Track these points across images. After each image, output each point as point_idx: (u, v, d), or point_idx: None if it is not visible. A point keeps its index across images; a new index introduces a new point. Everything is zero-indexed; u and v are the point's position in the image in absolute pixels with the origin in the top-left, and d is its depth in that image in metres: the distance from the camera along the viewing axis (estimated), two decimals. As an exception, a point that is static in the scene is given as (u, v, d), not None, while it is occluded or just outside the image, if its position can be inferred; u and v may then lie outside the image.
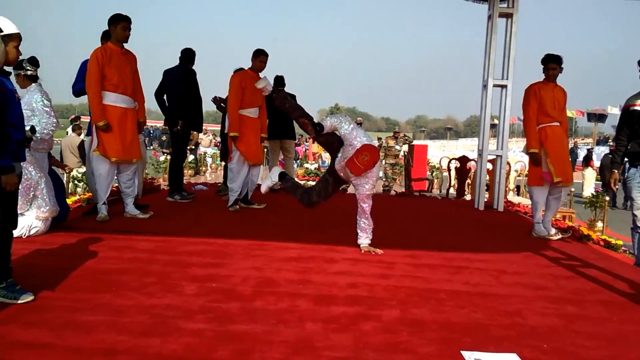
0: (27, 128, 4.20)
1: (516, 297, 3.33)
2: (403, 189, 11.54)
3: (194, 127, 7.10)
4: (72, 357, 2.20)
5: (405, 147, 12.76)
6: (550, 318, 2.98)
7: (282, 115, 7.73)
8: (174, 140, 6.99)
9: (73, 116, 16.75)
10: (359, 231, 4.38)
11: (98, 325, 2.52)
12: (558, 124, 5.37)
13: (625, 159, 4.70)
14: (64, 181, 6.07)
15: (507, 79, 7.43)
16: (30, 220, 4.30)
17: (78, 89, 5.36)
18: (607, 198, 7.66)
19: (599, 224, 7.08)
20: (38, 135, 4.49)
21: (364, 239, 4.36)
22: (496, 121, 12.06)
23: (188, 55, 6.93)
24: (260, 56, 6.25)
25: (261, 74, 6.14)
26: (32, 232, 4.31)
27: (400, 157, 12.89)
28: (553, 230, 5.51)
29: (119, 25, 5.05)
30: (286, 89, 7.99)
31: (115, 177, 5.36)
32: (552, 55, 5.37)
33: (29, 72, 4.69)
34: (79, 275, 3.32)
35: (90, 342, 2.34)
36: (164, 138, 21.11)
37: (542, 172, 5.37)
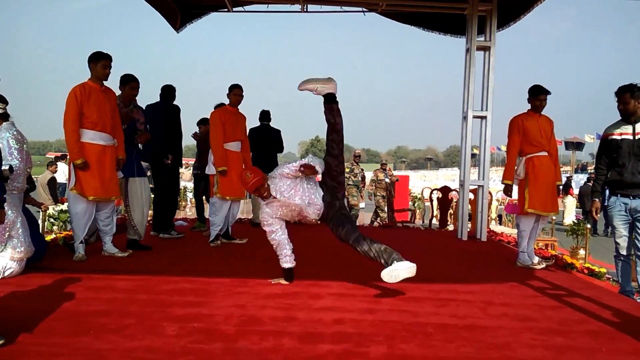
0: (6, 167, 4.15)
1: (504, 329, 3.31)
2: (386, 220, 11.56)
3: (176, 162, 7.12)
4: (47, 406, 2.11)
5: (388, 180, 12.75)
6: (538, 350, 2.95)
7: (266, 148, 7.73)
8: (157, 175, 6.95)
9: (59, 154, 16.67)
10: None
11: (75, 371, 2.43)
12: (545, 153, 5.41)
13: (606, 188, 4.78)
14: (40, 219, 5.97)
15: (486, 110, 7.56)
16: (5, 261, 4.20)
17: None
18: (589, 226, 7.74)
19: (582, 252, 7.15)
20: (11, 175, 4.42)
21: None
22: (475, 151, 12.23)
23: (169, 91, 7.00)
24: (234, 89, 6.35)
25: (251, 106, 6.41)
26: (7, 273, 4.20)
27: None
28: (536, 259, 5.53)
29: (100, 63, 5.05)
30: (270, 124, 8.08)
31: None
32: (541, 87, 5.43)
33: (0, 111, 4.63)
34: (56, 318, 3.22)
35: (67, 389, 2.26)
36: (148, 173, 20.96)
37: (512, 202, 5.45)
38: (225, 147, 6.16)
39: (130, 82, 5.63)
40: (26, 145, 4.81)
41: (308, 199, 4.16)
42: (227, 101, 6.44)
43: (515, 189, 5.61)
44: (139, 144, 5.82)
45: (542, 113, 5.49)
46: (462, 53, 7.87)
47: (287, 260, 4.29)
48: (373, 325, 3.31)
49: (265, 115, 8.01)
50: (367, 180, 12.31)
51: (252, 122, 7.71)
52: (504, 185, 5.63)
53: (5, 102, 4.70)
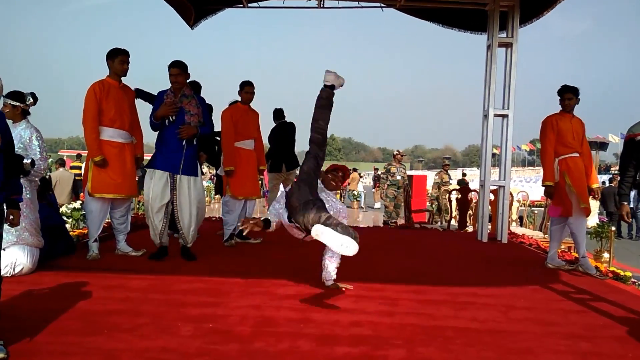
0: (28, 161, 4.18)
1: (526, 334, 3.28)
2: (403, 221, 11.50)
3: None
4: (62, 406, 2.13)
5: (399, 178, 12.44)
6: (563, 356, 2.92)
7: (288, 145, 7.65)
8: None
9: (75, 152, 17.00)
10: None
11: (89, 371, 2.45)
12: (578, 154, 5.38)
13: (632, 190, 4.71)
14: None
15: (508, 108, 7.50)
16: (15, 255, 4.20)
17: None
18: (613, 228, 7.63)
19: (605, 255, 7.05)
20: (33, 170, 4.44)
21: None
22: (495, 151, 12.14)
23: (195, 87, 6.99)
24: (245, 87, 6.34)
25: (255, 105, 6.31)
26: (17, 269, 4.22)
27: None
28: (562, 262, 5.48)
29: (117, 59, 5.09)
30: (286, 119, 8.03)
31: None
32: (568, 86, 5.43)
33: (28, 107, 4.64)
34: (69, 317, 3.24)
35: (81, 389, 2.27)
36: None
37: (554, 205, 5.41)
38: (238, 146, 6.17)
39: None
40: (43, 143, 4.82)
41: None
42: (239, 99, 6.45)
43: (527, 188, 5.59)
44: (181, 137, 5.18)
45: (575, 115, 5.46)
46: (483, 50, 7.82)
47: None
48: (391, 328, 3.29)
49: (280, 114, 8.00)
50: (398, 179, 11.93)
51: (266, 119, 7.72)
52: (544, 188, 5.58)
53: (34, 98, 4.70)
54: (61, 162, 12.19)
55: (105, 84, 5.06)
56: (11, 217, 2.78)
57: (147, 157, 5.56)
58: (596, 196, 5.49)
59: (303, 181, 3.96)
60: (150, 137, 5.75)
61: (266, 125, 7.58)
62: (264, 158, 6.75)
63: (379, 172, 33.11)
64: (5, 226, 2.81)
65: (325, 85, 4.34)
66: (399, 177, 11.84)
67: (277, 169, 7.72)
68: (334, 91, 4.37)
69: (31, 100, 4.62)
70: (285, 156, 7.74)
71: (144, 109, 5.78)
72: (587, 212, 5.35)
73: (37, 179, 4.61)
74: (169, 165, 5.11)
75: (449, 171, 11.81)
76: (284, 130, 7.89)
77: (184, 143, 5.14)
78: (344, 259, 4.05)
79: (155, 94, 5.34)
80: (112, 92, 5.06)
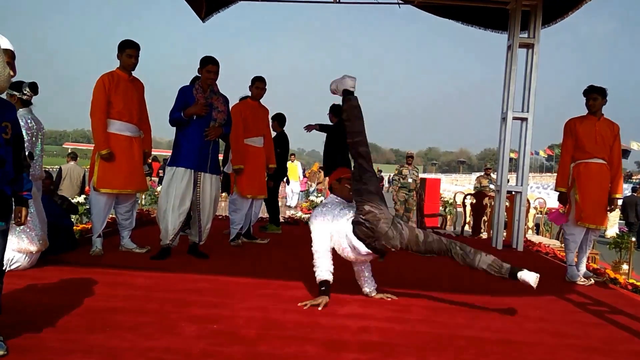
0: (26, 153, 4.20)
1: (542, 346, 3.25)
2: (415, 225, 11.47)
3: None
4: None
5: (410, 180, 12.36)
6: (580, 370, 2.90)
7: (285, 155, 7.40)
8: None
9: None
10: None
11: (91, 369, 2.46)
12: (600, 160, 5.27)
13: None
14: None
15: (527, 111, 7.45)
16: (13, 253, 4.19)
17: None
18: (633, 239, 7.57)
19: (625, 267, 6.99)
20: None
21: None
22: (512, 155, 12.08)
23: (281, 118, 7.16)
24: (256, 83, 6.37)
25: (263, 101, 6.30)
26: (13, 266, 4.22)
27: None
28: (582, 274, 5.39)
29: (125, 53, 5.12)
30: (294, 120, 8.00)
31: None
32: (594, 86, 5.35)
33: (24, 97, 4.68)
34: (71, 314, 3.26)
35: (82, 387, 2.28)
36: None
37: (556, 212, 5.33)
38: (247, 143, 6.19)
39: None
40: (41, 134, 4.77)
41: None
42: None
43: (544, 194, 5.55)
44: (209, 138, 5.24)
45: (606, 117, 5.38)
46: (503, 50, 7.78)
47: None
48: (401, 335, 3.28)
49: (280, 119, 7.79)
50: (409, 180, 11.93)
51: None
52: (558, 193, 5.53)
53: (35, 91, 4.71)
54: (73, 156, 12.29)
55: (114, 75, 5.09)
56: (18, 215, 2.75)
57: (155, 152, 5.58)
58: (613, 207, 5.37)
59: (381, 200, 3.89)
60: (158, 131, 5.77)
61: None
62: (273, 156, 6.75)
63: (382, 174, 33.07)
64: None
65: (349, 92, 4.11)
66: (410, 180, 11.80)
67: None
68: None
69: (28, 90, 4.64)
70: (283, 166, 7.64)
71: (153, 103, 5.82)
72: (592, 223, 5.26)
73: (37, 173, 4.63)
74: (195, 163, 5.15)
75: (491, 175, 11.62)
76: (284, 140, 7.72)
77: (209, 140, 5.21)
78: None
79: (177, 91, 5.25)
80: (121, 85, 5.09)
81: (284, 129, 7.76)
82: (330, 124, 7.32)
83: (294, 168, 18.09)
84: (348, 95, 4.10)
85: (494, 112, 7.90)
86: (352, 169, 4.12)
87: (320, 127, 7.33)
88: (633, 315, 4.14)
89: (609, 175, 5.30)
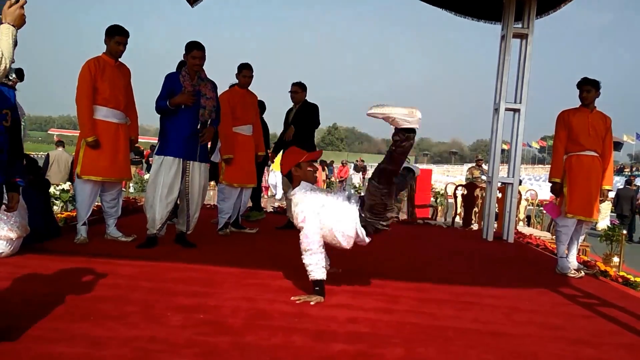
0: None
1: (530, 338, 3.28)
2: (405, 216, 11.50)
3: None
4: (44, 394, 2.13)
5: None
6: (568, 362, 2.92)
7: (306, 133, 6.97)
8: None
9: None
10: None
11: (74, 359, 2.45)
12: (593, 152, 5.31)
13: None
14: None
15: (520, 102, 7.47)
16: None
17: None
18: (624, 231, 7.63)
19: (615, 259, 7.05)
20: None
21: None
22: (505, 146, 12.12)
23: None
24: (243, 71, 6.32)
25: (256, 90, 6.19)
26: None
27: None
28: (574, 266, 5.44)
29: (114, 39, 5.06)
30: (281, 108, 7.83)
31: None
32: (588, 78, 5.39)
33: (10, 83, 4.64)
34: (54, 302, 3.24)
35: (64, 376, 2.28)
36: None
37: (551, 204, 5.37)
38: (236, 131, 6.16)
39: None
40: (23, 120, 4.76)
41: None
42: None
43: (535, 186, 5.58)
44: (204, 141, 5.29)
45: (598, 109, 5.42)
46: (496, 40, 7.78)
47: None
48: (389, 326, 3.29)
49: (261, 105, 7.38)
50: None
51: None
52: (550, 185, 5.58)
53: (21, 78, 4.65)
54: (60, 143, 12.38)
55: (100, 61, 5.03)
56: (9, 201, 2.73)
57: (141, 139, 5.55)
58: (603, 198, 5.43)
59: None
60: (145, 119, 5.72)
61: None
62: (262, 144, 6.73)
63: (365, 164, 33.12)
64: None
65: (407, 130, 3.52)
66: None
67: None
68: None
69: (14, 75, 4.58)
70: (308, 143, 6.85)
71: (140, 90, 5.77)
72: (583, 216, 5.30)
73: None
74: (184, 151, 5.13)
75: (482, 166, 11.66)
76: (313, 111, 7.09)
77: (198, 127, 5.20)
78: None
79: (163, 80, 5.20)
80: (107, 70, 5.04)
81: (263, 116, 7.67)
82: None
83: (279, 158, 17.46)
84: (411, 132, 3.56)
85: (487, 102, 7.91)
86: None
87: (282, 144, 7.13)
88: (623, 308, 4.18)
89: (601, 167, 5.35)
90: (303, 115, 6.76)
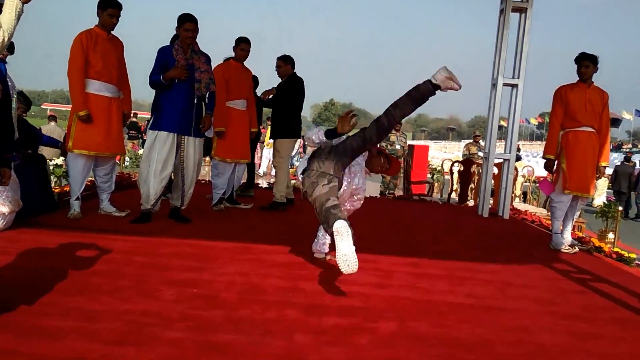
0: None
1: (523, 312, 3.32)
2: (401, 192, 11.53)
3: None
4: (37, 366, 2.15)
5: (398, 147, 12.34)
6: (559, 336, 2.96)
7: (291, 107, 6.73)
8: None
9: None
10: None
11: (67, 332, 2.47)
12: (590, 128, 5.30)
13: None
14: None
15: (518, 77, 7.44)
16: None
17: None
18: (620, 208, 7.67)
19: (610, 235, 7.10)
20: None
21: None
22: (503, 123, 12.11)
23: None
24: (241, 44, 6.26)
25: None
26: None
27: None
28: (568, 242, 5.48)
29: (106, 12, 5.00)
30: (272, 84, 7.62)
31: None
32: (586, 53, 5.35)
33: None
34: (48, 277, 3.25)
35: (58, 349, 2.30)
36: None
37: (545, 180, 5.37)
38: (229, 105, 6.13)
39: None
40: (15, 93, 4.68)
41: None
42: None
43: (532, 163, 5.57)
44: (203, 126, 5.27)
45: (596, 85, 5.39)
46: (495, 14, 7.71)
47: None
48: (383, 300, 3.32)
49: (255, 83, 7.30)
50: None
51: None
52: (544, 161, 5.58)
53: (11, 51, 4.59)
54: (53, 118, 12.42)
55: (92, 33, 4.97)
56: (1, 176, 2.72)
57: (140, 115, 5.51)
58: (599, 175, 5.44)
59: (338, 153, 3.69)
60: (138, 93, 5.68)
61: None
62: (255, 120, 6.71)
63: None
64: None
65: (430, 82, 3.71)
66: (398, 147, 11.80)
67: (295, 134, 6.76)
68: (435, 92, 3.77)
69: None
70: (298, 119, 6.91)
71: (132, 63, 5.72)
72: (579, 191, 5.32)
73: None
74: (178, 126, 5.11)
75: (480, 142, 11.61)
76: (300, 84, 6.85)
77: (194, 102, 5.16)
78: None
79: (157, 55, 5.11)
80: (99, 43, 4.98)
81: (256, 91, 7.58)
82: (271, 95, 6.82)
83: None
84: (429, 83, 3.73)
85: (485, 78, 7.87)
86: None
87: (264, 104, 7.08)
88: (616, 284, 4.22)
89: (597, 143, 5.35)
90: (286, 88, 6.66)
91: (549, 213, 6.09)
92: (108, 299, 2.96)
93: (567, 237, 5.54)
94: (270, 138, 6.78)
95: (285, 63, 6.67)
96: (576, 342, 2.87)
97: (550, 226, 5.75)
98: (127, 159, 14.35)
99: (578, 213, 5.83)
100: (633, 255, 5.48)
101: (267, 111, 7.87)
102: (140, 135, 19.89)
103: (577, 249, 5.42)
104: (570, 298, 3.73)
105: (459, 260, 4.57)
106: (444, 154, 37.26)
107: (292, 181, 7.05)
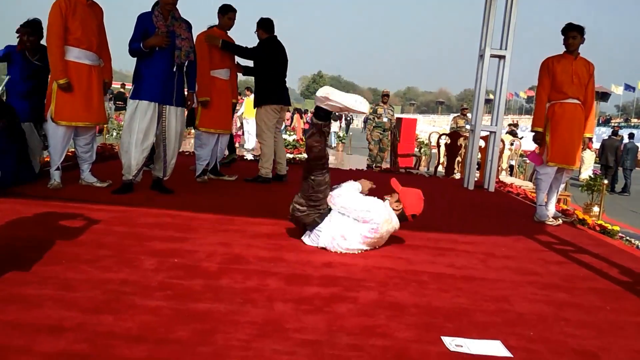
0: None
1: (503, 282, 3.36)
2: (388, 165, 11.56)
3: None
4: (14, 334, 2.15)
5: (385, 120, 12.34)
6: (538, 305, 3.01)
7: (269, 72, 6.57)
8: None
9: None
10: None
11: (44, 300, 2.47)
12: (575, 100, 5.33)
13: None
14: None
15: (505, 49, 7.43)
16: None
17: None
18: (606, 181, 7.75)
19: (595, 209, 7.18)
20: None
21: None
22: (491, 96, 12.13)
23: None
24: (229, 12, 6.19)
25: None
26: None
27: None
28: (552, 214, 5.54)
29: None
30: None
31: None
32: (573, 24, 5.36)
33: None
34: (26, 246, 3.24)
35: (34, 317, 2.29)
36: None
37: (534, 152, 5.39)
38: (213, 75, 6.07)
39: None
40: None
41: None
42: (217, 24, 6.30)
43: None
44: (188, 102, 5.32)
45: (582, 56, 5.40)
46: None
47: None
48: (364, 270, 3.35)
49: (271, 26, 6.98)
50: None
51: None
52: (533, 134, 5.59)
53: None
54: None
55: None
56: None
57: (128, 86, 5.45)
58: (584, 146, 5.49)
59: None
60: (118, 61, 5.60)
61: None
62: (236, 90, 6.65)
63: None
64: None
65: (315, 116, 3.70)
66: (385, 119, 11.79)
67: (279, 101, 6.58)
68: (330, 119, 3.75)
69: None
70: (283, 86, 6.75)
71: (113, 30, 5.63)
72: (564, 163, 5.36)
73: None
74: (160, 95, 5.05)
75: (468, 115, 11.63)
76: (278, 48, 6.65)
77: (174, 70, 5.09)
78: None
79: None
80: (79, 9, 4.89)
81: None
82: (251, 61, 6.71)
83: (250, 103, 14.37)
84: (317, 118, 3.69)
85: (475, 51, 7.85)
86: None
87: (245, 71, 6.86)
88: (597, 255, 4.29)
89: (583, 115, 5.38)
90: (259, 52, 6.50)
91: (535, 186, 6.15)
92: (87, 268, 2.96)
93: (552, 209, 5.60)
94: (254, 107, 6.69)
95: (258, 27, 6.59)
96: (555, 311, 2.92)
97: (535, 198, 5.80)
98: (113, 132, 14.21)
99: (563, 186, 5.88)
100: (617, 228, 5.56)
101: (248, 80, 7.75)
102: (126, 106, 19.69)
103: (560, 221, 5.48)
104: (551, 268, 3.78)
105: (441, 232, 4.61)
106: (432, 128, 37.29)
107: (288, 155, 6.96)
